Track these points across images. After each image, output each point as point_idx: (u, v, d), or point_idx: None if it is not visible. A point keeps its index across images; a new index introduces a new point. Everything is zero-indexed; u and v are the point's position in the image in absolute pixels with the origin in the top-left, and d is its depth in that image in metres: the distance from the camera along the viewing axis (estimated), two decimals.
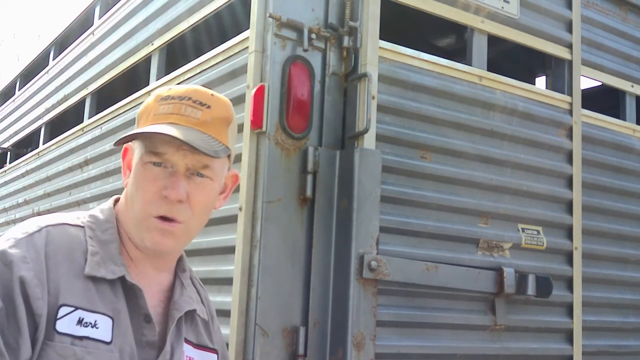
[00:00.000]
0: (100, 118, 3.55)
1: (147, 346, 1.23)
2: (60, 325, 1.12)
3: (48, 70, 4.87)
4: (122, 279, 1.21)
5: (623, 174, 3.08)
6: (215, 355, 1.39)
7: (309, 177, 2.20)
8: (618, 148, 3.07)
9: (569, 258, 2.80)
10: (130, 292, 1.23)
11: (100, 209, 1.31)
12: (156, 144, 1.20)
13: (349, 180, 2.19)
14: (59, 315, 1.12)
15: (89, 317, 1.15)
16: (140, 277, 1.26)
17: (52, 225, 1.21)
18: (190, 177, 1.23)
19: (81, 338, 1.13)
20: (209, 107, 1.25)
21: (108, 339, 1.16)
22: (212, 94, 1.27)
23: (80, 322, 1.14)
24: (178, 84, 2.78)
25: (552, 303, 2.68)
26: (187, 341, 1.32)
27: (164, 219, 1.22)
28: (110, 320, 1.17)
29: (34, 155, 4.87)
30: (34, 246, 1.14)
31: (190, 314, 1.34)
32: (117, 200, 1.33)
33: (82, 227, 1.24)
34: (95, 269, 1.19)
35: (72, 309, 1.14)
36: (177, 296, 1.31)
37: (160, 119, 1.23)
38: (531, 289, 2.50)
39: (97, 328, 1.15)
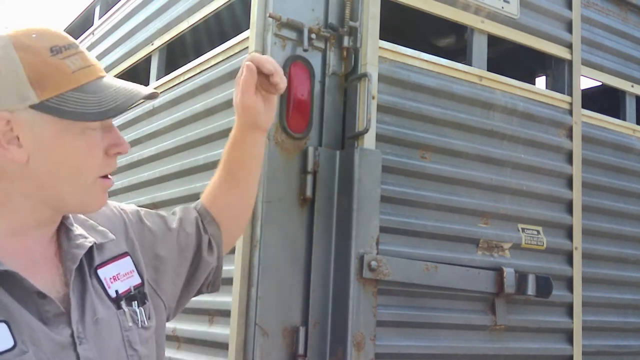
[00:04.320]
0: None
1: (56, 318, 1.12)
2: None
3: None
4: None
5: (623, 174, 3.08)
6: (128, 257, 1.32)
7: (309, 177, 2.20)
8: (618, 148, 3.07)
9: (569, 258, 2.80)
10: (8, 279, 1.08)
11: None
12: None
13: (349, 180, 2.19)
14: None
15: None
16: (16, 248, 1.13)
17: None
18: None
19: None
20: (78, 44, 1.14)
21: (10, 344, 1.04)
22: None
23: None
24: (178, 84, 2.78)
25: (552, 303, 2.68)
26: (101, 265, 1.25)
27: (106, 177, 1.17)
28: (3, 325, 1.05)
29: None
30: None
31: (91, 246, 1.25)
32: None
33: None
34: None
35: None
36: (65, 246, 1.20)
37: (86, 75, 1.10)
38: (531, 289, 2.50)
39: None
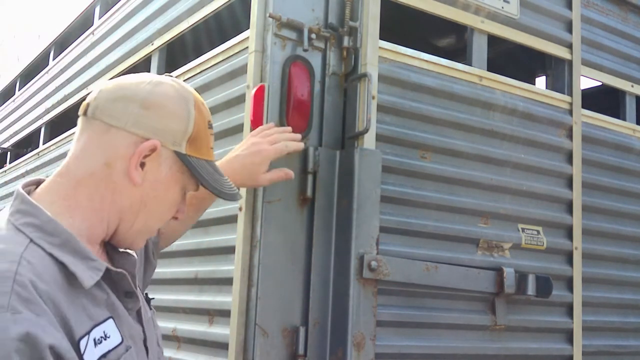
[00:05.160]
0: None
1: (136, 316, 1.24)
2: (90, 355, 1.07)
3: (48, 70, 4.88)
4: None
5: (623, 174, 3.08)
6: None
7: (309, 177, 2.20)
8: (618, 148, 3.07)
9: (569, 258, 2.80)
10: (110, 277, 1.18)
11: (21, 211, 1.13)
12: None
13: (349, 180, 2.19)
14: (81, 350, 1.06)
15: (98, 332, 1.10)
16: (94, 253, 1.20)
17: (16, 262, 1.03)
18: None
19: (105, 355, 1.10)
20: None
21: (119, 339, 1.14)
22: None
23: (95, 342, 1.09)
24: None
25: (552, 303, 2.68)
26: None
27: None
28: (111, 320, 1.14)
29: (34, 155, 4.87)
30: (29, 300, 1.00)
31: None
32: (29, 187, 1.21)
33: (29, 240, 1.09)
34: (89, 279, 1.11)
35: (86, 336, 1.08)
36: (116, 254, 1.29)
37: (212, 155, 1.32)
38: (531, 289, 2.50)
39: (108, 337, 1.12)
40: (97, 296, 1.14)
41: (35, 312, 0.99)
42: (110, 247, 1.30)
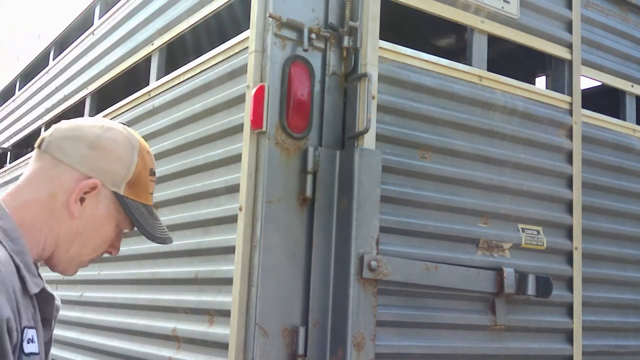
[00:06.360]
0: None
1: (45, 345, 1.29)
2: (25, 347, 1.18)
3: (48, 70, 4.88)
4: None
5: (623, 174, 3.08)
6: None
7: (309, 177, 2.20)
8: (618, 148, 3.07)
9: (569, 258, 2.80)
10: (40, 299, 1.27)
11: None
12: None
13: (349, 180, 2.19)
14: (23, 339, 1.18)
15: (30, 333, 1.21)
16: None
17: None
18: None
19: (29, 355, 1.20)
20: None
21: (38, 350, 1.23)
22: None
23: (28, 340, 1.20)
24: (178, 84, 2.79)
25: (552, 303, 2.68)
26: None
27: None
28: (35, 332, 1.23)
29: None
30: None
31: None
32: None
33: None
34: (34, 287, 1.23)
35: (26, 328, 1.19)
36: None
37: (151, 200, 1.42)
38: (531, 289, 2.50)
39: (34, 342, 1.22)
40: (29, 307, 1.24)
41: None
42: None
